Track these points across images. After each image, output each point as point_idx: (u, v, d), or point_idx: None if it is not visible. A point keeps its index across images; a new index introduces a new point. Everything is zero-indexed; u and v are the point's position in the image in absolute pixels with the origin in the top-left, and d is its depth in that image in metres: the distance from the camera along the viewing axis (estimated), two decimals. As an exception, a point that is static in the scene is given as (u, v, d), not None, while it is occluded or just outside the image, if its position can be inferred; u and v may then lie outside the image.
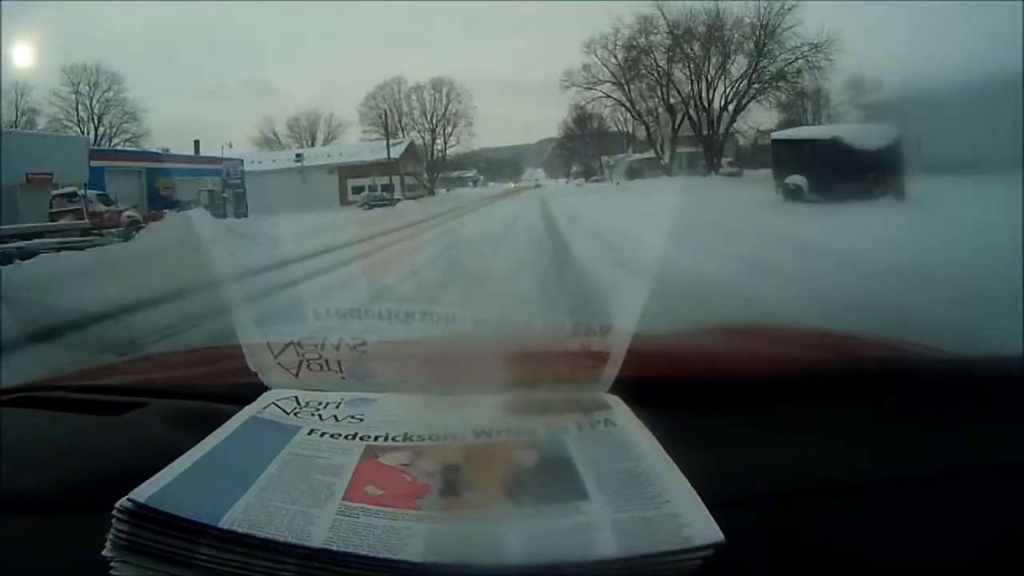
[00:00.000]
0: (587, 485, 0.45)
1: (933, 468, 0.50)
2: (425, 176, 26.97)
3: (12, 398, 0.73)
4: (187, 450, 0.49)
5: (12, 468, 0.55)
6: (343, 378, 0.62)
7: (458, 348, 0.71)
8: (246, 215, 20.41)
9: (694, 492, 0.43)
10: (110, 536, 0.41)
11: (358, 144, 26.60)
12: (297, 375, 0.63)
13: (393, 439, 0.53)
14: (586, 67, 24.64)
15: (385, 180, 24.02)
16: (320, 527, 0.41)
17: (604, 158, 27.91)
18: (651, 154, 25.16)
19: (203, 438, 0.51)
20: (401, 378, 0.64)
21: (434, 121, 27.08)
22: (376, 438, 0.53)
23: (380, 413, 0.58)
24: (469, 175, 29.74)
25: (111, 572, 0.41)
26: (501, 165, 30.35)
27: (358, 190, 23.81)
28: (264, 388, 0.62)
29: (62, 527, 0.48)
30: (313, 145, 27.17)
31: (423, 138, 27.30)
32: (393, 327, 0.65)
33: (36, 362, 3.03)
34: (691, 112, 24.03)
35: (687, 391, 0.61)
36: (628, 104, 25.34)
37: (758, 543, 0.43)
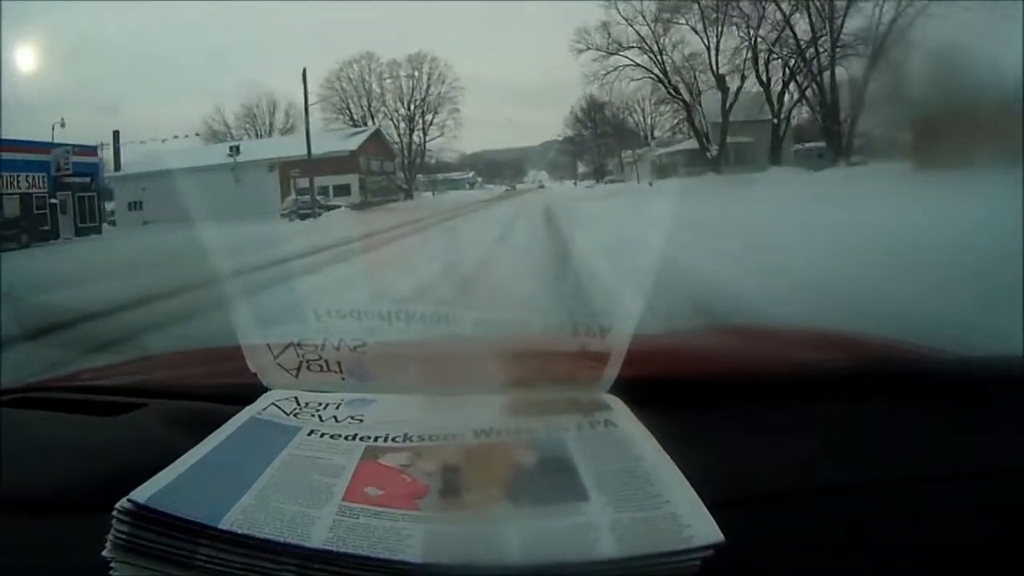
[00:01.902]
0: (587, 485, 0.45)
1: (933, 468, 0.51)
2: (402, 175, 21.58)
3: (12, 398, 0.73)
4: (187, 451, 0.49)
5: (12, 468, 0.55)
6: (343, 379, 0.62)
7: (458, 348, 0.71)
8: (97, 230, 14.64)
9: (694, 492, 0.43)
10: (110, 537, 0.41)
11: (320, 134, 20.51)
12: (297, 376, 0.63)
13: (393, 440, 0.53)
14: (605, 25, 18.35)
15: (346, 179, 18.83)
16: (320, 528, 0.41)
17: (627, 152, 21.78)
18: (687, 145, 18.88)
19: (203, 439, 0.51)
20: (401, 379, 0.63)
21: (411, 107, 21.32)
22: (376, 439, 0.53)
23: (380, 414, 0.58)
24: (466, 176, 25.56)
25: (111, 573, 0.41)
26: (503, 167, 26.34)
27: (304, 192, 18.30)
28: (264, 389, 0.62)
29: (62, 527, 0.48)
30: (271, 135, 21.74)
31: (397, 128, 21.45)
32: (393, 328, 0.65)
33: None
34: (796, 67, 17.03)
35: (687, 391, 0.61)
36: (660, 76, 18.51)
37: (758, 543, 0.43)
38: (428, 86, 21.47)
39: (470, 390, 0.59)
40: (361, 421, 0.56)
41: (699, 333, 0.93)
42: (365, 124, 21.40)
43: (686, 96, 18.69)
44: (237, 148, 19.42)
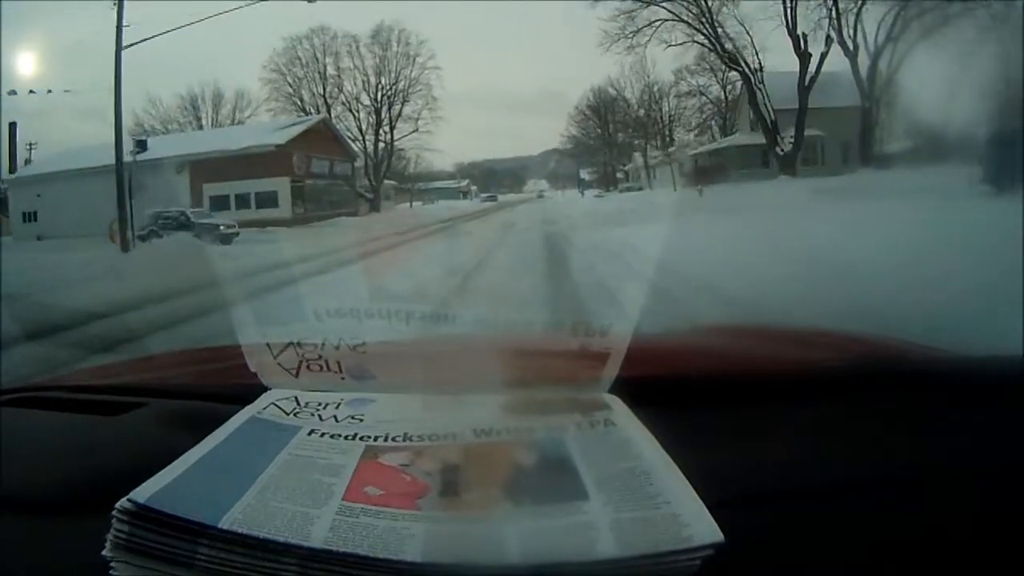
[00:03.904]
0: (587, 485, 0.45)
1: (933, 468, 0.51)
2: (368, 182, 16.75)
3: (12, 398, 0.73)
4: (187, 450, 0.49)
5: (12, 468, 0.55)
6: (343, 378, 0.62)
7: (458, 348, 0.71)
8: None
9: (694, 492, 0.43)
10: (110, 536, 0.41)
11: (242, 127, 16.16)
12: (297, 375, 0.63)
13: (393, 439, 0.53)
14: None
15: (271, 184, 13.63)
16: (320, 527, 0.41)
17: (655, 153, 16.52)
18: (740, 140, 13.85)
19: (203, 438, 0.51)
20: (401, 378, 0.64)
21: (378, 95, 16.65)
22: (376, 438, 0.53)
23: (380, 413, 0.58)
24: (458, 185, 22.08)
25: (111, 573, 0.41)
26: (500, 176, 23.75)
27: (218, 201, 13.54)
28: (264, 388, 0.62)
29: (62, 527, 0.48)
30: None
31: (358, 120, 16.60)
32: (393, 327, 0.65)
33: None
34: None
35: (687, 391, 0.61)
36: (710, 36, 13.01)
37: (758, 543, 0.43)
38: (398, 68, 16.41)
39: (470, 390, 0.59)
40: (361, 421, 0.56)
41: (699, 333, 0.93)
42: (312, 115, 16.29)
43: (742, 66, 12.91)
44: (143, 143, 14.09)
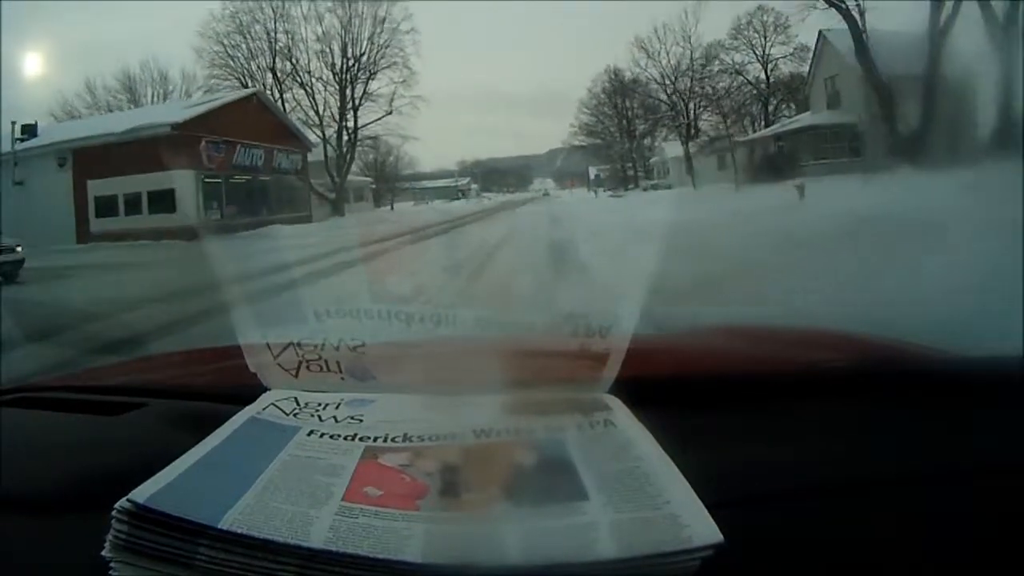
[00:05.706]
0: (587, 486, 0.45)
1: (933, 468, 0.51)
2: (331, 180, 13.11)
3: (12, 398, 0.73)
4: (186, 451, 0.49)
5: (12, 468, 0.55)
6: (342, 379, 0.62)
7: (458, 348, 0.71)
8: None
9: (693, 492, 0.43)
10: (109, 537, 0.41)
11: (162, 106, 12.39)
12: (296, 376, 0.63)
13: (392, 440, 0.53)
14: None
15: (167, 181, 10.07)
16: (319, 528, 0.41)
17: (698, 141, 13.22)
18: (821, 119, 10.19)
19: (202, 439, 0.51)
20: (401, 379, 0.63)
21: (343, 69, 12.96)
22: (375, 439, 0.53)
23: (379, 414, 0.58)
24: (456, 184, 19.47)
25: (110, 573, 0.41)
26: (505, 175, 22.14)
27: (106, 203, 10.28)
28: (263, 389, 0.62)
29: (62, 527, 0.48)
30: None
31: (313, 100, 12.85)
32: (393, 328, 0.65)
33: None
34: None
35: (687, 391, 0.61)
36: None
37: (758, 543, 0.43)
38: (368, 34, 12.39)
39: (470, 390, 0.59)
40: (360, 421, 0.56)
41: (699, 333, 0.93)
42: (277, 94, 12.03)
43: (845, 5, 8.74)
44: (32, 129, 10.62)
